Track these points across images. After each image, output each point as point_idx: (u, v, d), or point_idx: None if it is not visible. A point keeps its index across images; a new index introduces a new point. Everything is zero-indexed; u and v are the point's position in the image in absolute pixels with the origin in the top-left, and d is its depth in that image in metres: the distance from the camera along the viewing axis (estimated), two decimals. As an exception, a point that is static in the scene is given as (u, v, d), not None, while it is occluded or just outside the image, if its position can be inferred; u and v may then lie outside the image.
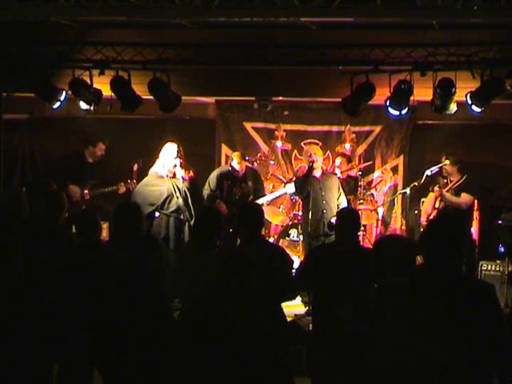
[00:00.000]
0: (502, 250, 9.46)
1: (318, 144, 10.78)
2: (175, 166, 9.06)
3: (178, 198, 9.01)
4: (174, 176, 9.09)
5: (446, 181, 9.48)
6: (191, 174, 9.20)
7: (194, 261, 5.94)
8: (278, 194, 10.38)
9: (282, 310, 5.74)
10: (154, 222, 9.09)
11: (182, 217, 9.02)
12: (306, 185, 9.26)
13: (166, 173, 9.09)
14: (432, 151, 10.29)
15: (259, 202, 9.75)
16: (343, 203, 9.40)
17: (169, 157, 9.10)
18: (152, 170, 9.26)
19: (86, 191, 9.68)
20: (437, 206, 9.47)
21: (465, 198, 9.37)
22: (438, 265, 4.22)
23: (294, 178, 10.35)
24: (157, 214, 9.10)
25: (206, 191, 9.85)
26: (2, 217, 6.90)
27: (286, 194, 10.39)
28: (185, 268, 6.12)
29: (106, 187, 9.77)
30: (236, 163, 9.85)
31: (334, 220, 8.31)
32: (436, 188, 9.43)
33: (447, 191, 9.39)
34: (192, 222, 8.84)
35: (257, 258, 4.80)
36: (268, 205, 10.34)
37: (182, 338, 4.78)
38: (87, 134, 10.10)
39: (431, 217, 9.32)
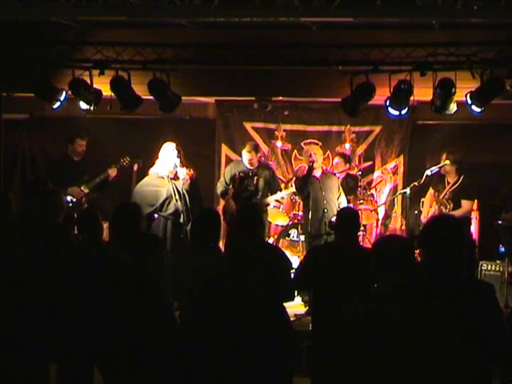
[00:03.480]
0: (502, 250, 9.44)
1: (317, 144, 10.78)
2: (175, 166, 9.04)
3: (177, 200, 8.96)
4: (175, 177, 9.04)
5: (442, 190, 9.35)
6: (191, 174, 9.17)
7: (192, 262, 5.94)
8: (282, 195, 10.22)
9: (284, 310, 5.73)
10: (152, 224, 9.06)
11: (180, 219, 8.98)
12: (307, 185, 9.26)
13: (166, 173, 9.05)
14: (432, 151, 10.27)
15: (272, 199, 9.74)
16: (343, 203, 9.42)
17: (168, 157, 9.08)
18: (152, 171, 9.21)
19: (83, 187, 9.63)
20: (433, 209, 9.42)
21: (466, 206, 9.16)
22: (435, 266, 4.22)
23: (294, 178, 10.33)
24: (156, 215, 9.07)
25: (220, 185, 9.80)
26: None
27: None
28: (182, 269, 6.11)
29: (97, 177, 9.68)
30: (246, 153, 9.63)
31: (334, 219, 8.31)
32: (432, 193, 9.37)
33: (445, 195, 9.31)
34: (189, 225, 8.81)
35: (257, 259, 4.80)
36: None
37: (181, 338, 4.78)
38: (68, 133, 10.03)
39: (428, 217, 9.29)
